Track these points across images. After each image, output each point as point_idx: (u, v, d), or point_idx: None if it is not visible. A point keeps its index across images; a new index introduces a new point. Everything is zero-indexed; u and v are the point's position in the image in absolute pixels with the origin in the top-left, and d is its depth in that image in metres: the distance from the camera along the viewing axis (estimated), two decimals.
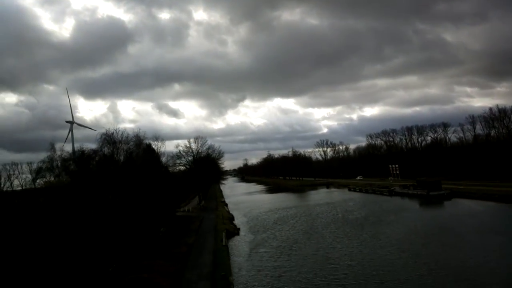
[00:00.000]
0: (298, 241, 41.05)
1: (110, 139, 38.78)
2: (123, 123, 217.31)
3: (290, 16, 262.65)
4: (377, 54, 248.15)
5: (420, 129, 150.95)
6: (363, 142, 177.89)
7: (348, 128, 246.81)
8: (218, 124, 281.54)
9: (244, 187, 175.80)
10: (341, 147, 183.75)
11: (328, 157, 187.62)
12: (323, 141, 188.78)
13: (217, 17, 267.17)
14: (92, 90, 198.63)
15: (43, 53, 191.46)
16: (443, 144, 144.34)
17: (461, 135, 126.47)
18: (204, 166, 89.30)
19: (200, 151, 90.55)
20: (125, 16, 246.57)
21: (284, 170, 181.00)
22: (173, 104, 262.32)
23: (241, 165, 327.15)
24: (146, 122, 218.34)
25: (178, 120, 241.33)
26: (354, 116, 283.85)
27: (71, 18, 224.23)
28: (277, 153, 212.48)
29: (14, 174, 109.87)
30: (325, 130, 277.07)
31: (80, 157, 34.40)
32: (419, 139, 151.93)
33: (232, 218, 64.93)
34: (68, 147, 68.41)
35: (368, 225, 47.49)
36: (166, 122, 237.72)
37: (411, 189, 77.57)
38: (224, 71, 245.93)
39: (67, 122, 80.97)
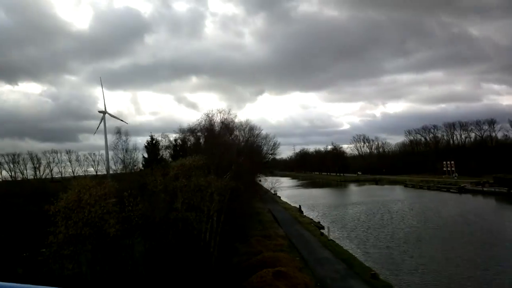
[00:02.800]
0: (408, 241, 36.69)
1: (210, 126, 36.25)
2: (144, 114, 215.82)
3: (307, 6, 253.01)
4: (400, 48, 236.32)
5: (464, 125, 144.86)
6: (386, 139, 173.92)
7: (371, 124, 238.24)
8: (237, 118, 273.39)
9: (279, 180, 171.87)
10: (377, 143, 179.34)
11: (362, 152, 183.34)
12: (360, 136, 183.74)
13: (232, 7, 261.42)
14: (113, 81, 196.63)
15: (62, 43, 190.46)
16: (488, 141, 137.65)
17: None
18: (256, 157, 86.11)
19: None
20: (141, 5, 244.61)
21: (320, 165, 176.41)
22: (191, 97, 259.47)
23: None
24: (166, 114, 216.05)
25: (198, 112, 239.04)
26: (377, 112, 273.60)
27: (89, 7, 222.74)
28: (298, 148, 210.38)
29: (53, 162, 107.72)
30: (347, 126, 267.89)
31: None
32: (462, 136, 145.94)
33: (301, 211, 61.34)
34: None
35: (476, 225, 42.63)
36: (186, 114, 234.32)
37: (487, 186, 72.03)
38: (241, 63, 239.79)
39: (99, 112, 78.83)
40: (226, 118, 43.11)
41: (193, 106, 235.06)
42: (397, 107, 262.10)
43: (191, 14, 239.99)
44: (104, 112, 76.79)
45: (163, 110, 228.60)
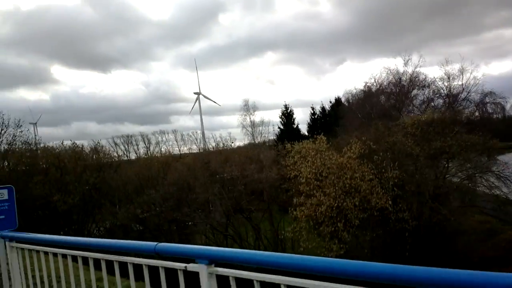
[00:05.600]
0: None
1: None
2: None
3: None
4: None
5: None
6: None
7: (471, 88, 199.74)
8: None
9: None
10: None
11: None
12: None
13: None
14: (193, 64, 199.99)
15: (146, 32, 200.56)
16: None
17: None
18: None
19: None
20: None
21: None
22: (269, 72, 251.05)
23: None
24: (246, 91, 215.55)
25: (276, 88, 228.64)
26: (479, 74, 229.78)
27: None
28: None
29: (161, 141, 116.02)
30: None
31: None
32: None
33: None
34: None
35: None
36: (264, 91, 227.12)
37: None
38: (318, 33, 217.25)
39: (194, 93, 79.94)
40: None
41: (271, 82, 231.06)
42: (502, 67, 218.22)
43: None
44: (199, 93, 78.15)
45: (242, 88, 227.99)
